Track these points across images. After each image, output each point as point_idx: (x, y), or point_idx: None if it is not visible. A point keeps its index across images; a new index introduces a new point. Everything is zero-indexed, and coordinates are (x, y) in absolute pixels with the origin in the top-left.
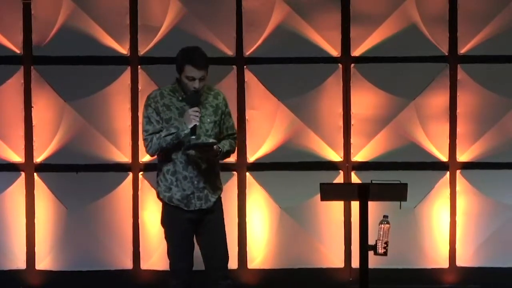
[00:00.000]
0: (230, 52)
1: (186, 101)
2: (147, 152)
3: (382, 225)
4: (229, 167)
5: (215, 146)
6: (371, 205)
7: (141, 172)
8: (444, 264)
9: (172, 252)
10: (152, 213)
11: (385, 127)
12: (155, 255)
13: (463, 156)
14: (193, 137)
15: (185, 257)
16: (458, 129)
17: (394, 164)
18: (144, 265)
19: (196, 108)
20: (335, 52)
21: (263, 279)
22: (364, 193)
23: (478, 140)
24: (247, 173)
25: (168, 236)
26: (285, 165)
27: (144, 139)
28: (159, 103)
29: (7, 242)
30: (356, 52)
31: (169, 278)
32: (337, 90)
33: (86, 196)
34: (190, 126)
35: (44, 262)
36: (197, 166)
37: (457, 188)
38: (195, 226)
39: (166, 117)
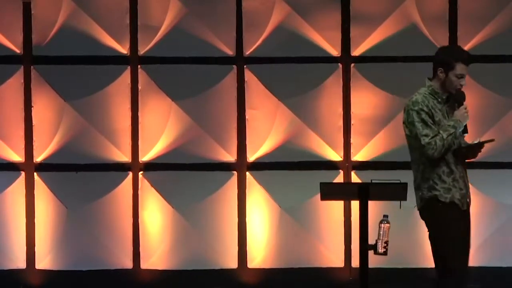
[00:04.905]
0: (230, 52)
1: (455, 99)
2: (432, 155)
3: (382, 224)
4: (229, 167)
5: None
6: (371, 204)
7: (141, 172)
8: None
9: (451, 253)
10: (152, 213)
11: (385, 127)
12: (155, 254)
13: None
14: (466, 134)
15: (464, 257)
16: None
17: (394, 163)
18: (144, 265)
19: (466, 105)
20: (335, 52)
21: (263, 278)
22: (364, 193)
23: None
24: (247, 173)
25: (447, 237)
26: (285, 165)
27: (427, 143)
28: (429, 106)
29: (7, 242)
30: (356, 51)
31: (445, 278)
32: (337, 90)
33: (86, 196)
34: (465, 123)
35: (44, 261)
36: (463, 165)
37: None
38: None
39: (437, 119)
